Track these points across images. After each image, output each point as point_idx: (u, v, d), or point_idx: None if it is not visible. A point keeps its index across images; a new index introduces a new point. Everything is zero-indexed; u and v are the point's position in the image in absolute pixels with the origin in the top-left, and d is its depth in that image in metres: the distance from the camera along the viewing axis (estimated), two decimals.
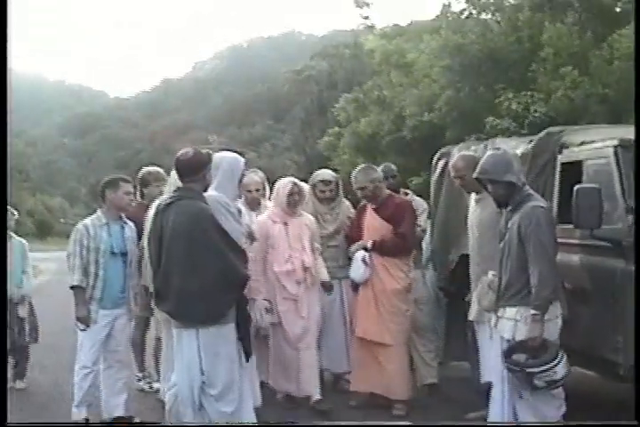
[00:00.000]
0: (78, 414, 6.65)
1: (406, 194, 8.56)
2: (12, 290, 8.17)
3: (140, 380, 8.40)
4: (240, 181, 6.13)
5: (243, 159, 6.29)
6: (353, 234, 7.73)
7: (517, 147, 7.41)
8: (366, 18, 38.85)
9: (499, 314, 5.66)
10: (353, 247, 7.41)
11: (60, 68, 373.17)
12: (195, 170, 5.70)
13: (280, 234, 7.36)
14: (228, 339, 5.53)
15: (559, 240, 5.84)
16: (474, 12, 24.85)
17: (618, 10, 21.98)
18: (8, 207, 8.50)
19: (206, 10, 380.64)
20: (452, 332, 8.17)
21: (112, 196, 6.93)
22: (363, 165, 7.79)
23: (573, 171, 6.42)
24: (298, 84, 67.21)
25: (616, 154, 5.98)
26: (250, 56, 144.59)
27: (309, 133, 52.78)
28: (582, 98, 19.16)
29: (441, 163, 8.57)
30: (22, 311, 8.32)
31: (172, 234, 5.45)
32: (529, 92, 20.24)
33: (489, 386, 6.07)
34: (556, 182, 6.80)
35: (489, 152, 6.05)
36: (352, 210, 8.35)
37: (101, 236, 6.81)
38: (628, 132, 6.16)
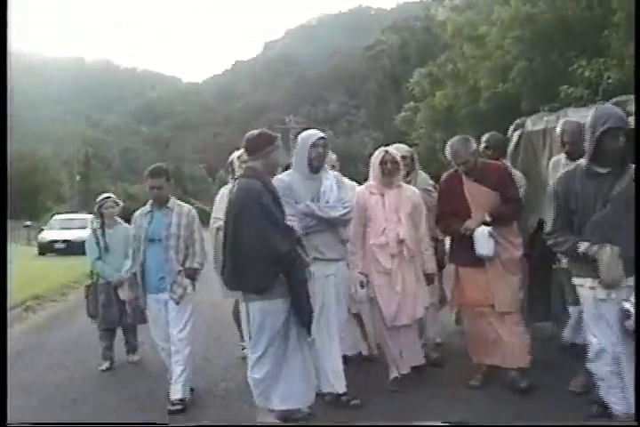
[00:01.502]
0: (174, 395, 6.83)
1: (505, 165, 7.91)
2: (112, 274, 8.61)
3: (243, 349, 8.82)
4: (310, 155, 6.48)
5: (314, 134, 6.60)
6: (444, 207, 7.17)
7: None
8: None
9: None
10: (469, 223, 6.82)
11: (130, 56, 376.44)
12: (256, 149, 5.90)
13: (377, 205, 7.03)
14: (275, 313, 5.68)
15: None
16: None
17: None
18: (113, 196, 9.03)
19: None
20: (534, 294, 8.36)
21: (146, 187, 7.23)
22: (458, 138, 7.19)
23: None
24: (369, 59, 67.19)
25: None
26: (320, 33, 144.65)
27: (385, 109, 52.92)
28: None
29: (516, 133, 8.83)
30: (122, 294, 8.45)
31: (227, 211, 5.82)
32: (602, 59, 20.10)
33: (578, 347, 6.31)
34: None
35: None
36: (430, 182, 8.21)
37: (142, 224, 7.08)
38: None
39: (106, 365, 8.57)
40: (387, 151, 7.13)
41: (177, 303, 6.96)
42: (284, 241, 5.67)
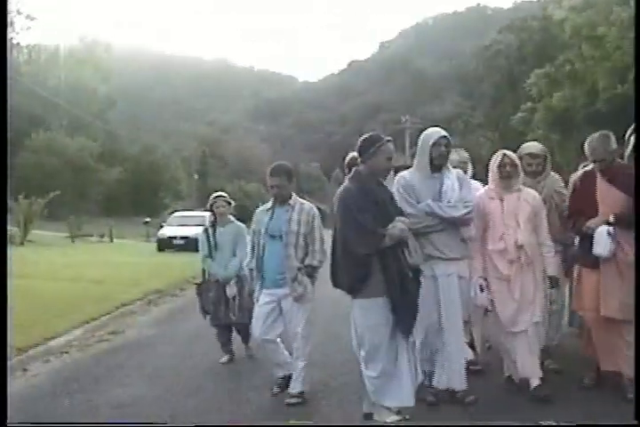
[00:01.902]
0: (276, 373, 7.11)
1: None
2: (220, 271, 8.59)
3: None
4: (431, 154, 6.43)
5: (436, 132, 6.52)
6: (577, 205, 6.97)
7: None
8: None
9: None
10: (592, 222, 6.62)
11: (248, 55, 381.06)
12: (362, 151, 5.99)
13: (496, 211, 6.86)
14: (374, 311, 5.79)
15: None
16: None
17: None
18: (224, 195, 9.07)
19: None
20: None
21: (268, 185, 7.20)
22: (599, 134, 6.90)
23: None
24: (486, 59, 66.75)
25: None
26: (435, 33, 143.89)
27: (501, 109, 52.59)
28: None
29: (633, 137, 8.67)
30: (230, 291, 8.56)
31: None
32: None
33: None
34: None
35: None
36: (562, 184, 7.82)
37: (263, 219, 7.09)
38: None
39: (225, 358, 8.61)
40: (505, 154, 6.96)
41: (296, 301, 6.89)
42: (364, 245, 5.79)
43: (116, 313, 12.06)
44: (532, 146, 7.84)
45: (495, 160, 6.92)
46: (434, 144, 6.47)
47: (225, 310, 8.58)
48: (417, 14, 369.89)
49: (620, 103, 24.40)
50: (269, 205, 7.21)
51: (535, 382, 6.66)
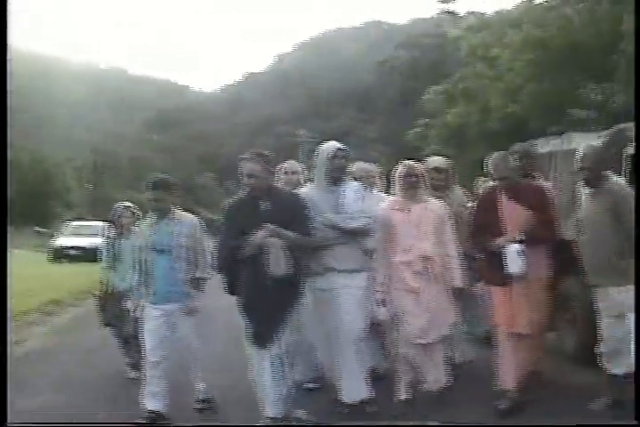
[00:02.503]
0: (148, 406, 6.61)
1: (537, 177, 7.89)
2: (120, 284, 8.31)
3: None
4: (329, 167, 6.52)
5: (333, 145, 6.61)
6: (480, 221, 7.01)
7: (591, 140, 8.46)
8: (449, 11, 40.09)
9: None
10: (501, 240, 6.63)
11: (141, 63, 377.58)
12: None
13: (401, 221, 6.70)
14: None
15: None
16: (554, 4, 25.70)
17: None
18: (131, 206, 8.87)
19: (287, 0, 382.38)
20: None
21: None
22: (500, 153, 6.99)
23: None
24: (382, 74, 67.96)
25: None
26: (333, 47, 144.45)
27: (396, 124, 53.51)
28: None
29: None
30: (129, 304, 7.79)
31: None
32: (609, 83, 21.04)
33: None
34: (623, 170, 7.86)
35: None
36: (465, 198, 8.01)
37: (146, 234, 6.93)
38: None
39: (133, 374, 8.21)
40: (408, 164, 6.85)
41: (187, 315, 6.83)
42: (221, 253, 6.21)
43: (13, 325, 11.61)
44: (437, 160, 7.95)
45: (399, 171, 6.82)
46: (331, 156, 6.53)
47: (129, 322, 8.06)
48: (314, 27, 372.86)
49: (511, 122, 25.40)
50: (151, 218, 7.06)
51: (436, 387, 6.67)
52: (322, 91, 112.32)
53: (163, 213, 6.93)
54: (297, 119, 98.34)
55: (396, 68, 62.93)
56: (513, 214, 6.76)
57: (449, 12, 42.15)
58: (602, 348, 6.49)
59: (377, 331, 7.19)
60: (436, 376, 6.70)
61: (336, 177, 6.58)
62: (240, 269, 6.05)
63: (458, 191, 8.08)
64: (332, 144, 6.67)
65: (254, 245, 5.89)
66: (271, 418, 6.02)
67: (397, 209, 6.82)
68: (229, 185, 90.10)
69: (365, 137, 72.66)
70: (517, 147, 8.13)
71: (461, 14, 42.00)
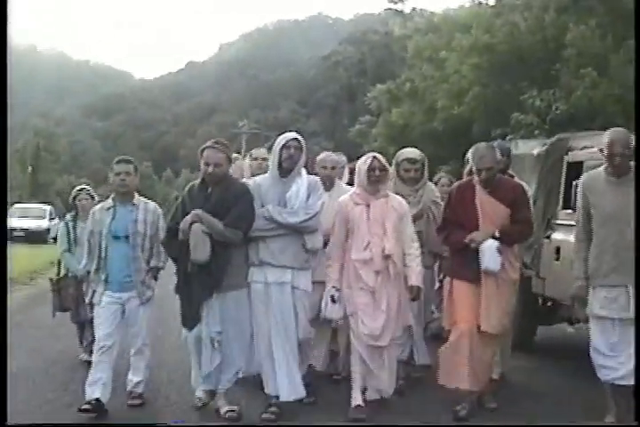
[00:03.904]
0: (90, 393, 6.40)
1: (512, 176, 7.55)
2: (79, 268, 7.93)
3: None
4: (279, 157, 6.32)
5: (287, 135, 6.43)
6: (452, 216, 6.73)
7: (534, 148, 9.19)
8: (395, 3, 40.72)
9: None
10: (477, 235, 6.37)
11: (84, 48, 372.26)
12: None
13: (360, 217, 6.44)
14: None
15: (565, 222, 7.93)
16: (503, 10, 26.36)
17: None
18: (88, 188, 8.88)
19: None
20: None
21: (110, 177, 6.91)
22: (485, 144, 6.81)
23: (576, 169, 8.00)
24: (325, 69, 68.18)
25: None
26: (276, 39, 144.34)
27: (338, 119, 53.87)
28: (600, 98, 20.53)
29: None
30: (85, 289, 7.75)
31: None
32: (552, 91, 21.60)
33: None
34: (563, 177, 8.47)
35: None
36: (438, 193, 7.65)
37: (104, 219, 6.71)
38: None
39: (85, 356, 8.20)
40: (375, 157, 6.57)
41: (142, 304, 6.72)
42: (164, 237, 6.55)
43: None
44: (410, 151, 7.53)
45: (364, 163, 6.55)
46: (283, 146, 6.31)
47: (86, 306, 7.84)
48: (258, 18, 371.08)
49: (454, 123, 25.90)
50: (110, 203, 6.85)
51: (387, 395, 6.53)
52: (263, 82, 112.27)
53: (125, 197, 6.80)
54: (238, 109, 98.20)
55: (340, 64, 63.15)
56: (490, 210, 6.52)
57: (397, 11, 42.50)
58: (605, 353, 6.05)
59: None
60: (389, 380, 6.51)
61: (286, 168, 6.35)
62: (178, 253, 6.21)
63: (430, 186, 7.68)
64: (288, 134, 6.47)
65: (181, 230, 6.03)
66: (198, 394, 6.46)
67: (357, 203, 6.56)
68: (167, 174, 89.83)
69: (306, 130, 73.03)
70: (496, 144, 7.71)
71: (407, 11, 42.58)
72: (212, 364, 6.21)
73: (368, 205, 6.51)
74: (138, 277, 6.70)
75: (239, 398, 6.67)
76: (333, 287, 6.44)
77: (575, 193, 6.82)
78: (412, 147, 7.88)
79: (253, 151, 7.98)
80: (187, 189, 6.43)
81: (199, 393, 6.50)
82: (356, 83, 55.11)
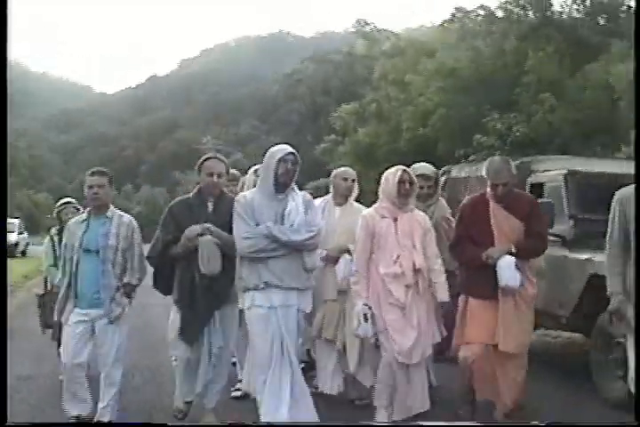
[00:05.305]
0: (68, 410, 6.26)
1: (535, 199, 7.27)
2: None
3: None
4: (276, 171, 5.75)
5: (284, 149, 5.85)
6: (465, 231, 6.49)
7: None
8: (363, 26, 41.54)
9: None
10: (493, 251, 6.18)
11: (44, 60, 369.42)
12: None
13: (388, 231, 6.22)
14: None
15: None
16: (466, 36, 27.60)
17: (594, 42, 24.28)
18: (73, 202, 8.47)
19: (194, 6, 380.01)
20: None
21: (85, 190, 6.47)
22: (501, 158, 6.64)
23: (538, 190, 8.39)
24: (287, 86, 68.58)
25: (565, 179, 8.08)
26: (237, 55, 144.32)
27: (302, 137, 54.17)
28: (558, 121, 21.66)
29: (443, 178, 10.23)
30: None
31: None
32: (512, 114, 22.69)
33: None
34: None
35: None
36: (449, 210, 7.55)
37: (76, 232, 6.36)
38: (576, 164, 8.56)
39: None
40: (404, 170, 6.29)
41: (111, 323, 6.28)
42: (153, 250, 6.18)
43: None
44: (424, 167, 7.39)
45: (394, 175, 6.23)
46: (280, 160, 5.76)
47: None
48: (220, 34, 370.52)
49: (419, 143, 26.77)
50: (84, 216, 6.53)
51: (423, 409, 6.21)
52: (224, 98, 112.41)
53: (99, 209, 6.43)
54: (200, 125, 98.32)
55: (303, 82, 63.70)
56: (505, 225, 6.32)
57: (363, 32, 42.91)
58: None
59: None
60: (415, 400, 6.23)
61: (283, 182, 5.84)
62: (173, 266, 6.11)
63: (442, 203, 7.58)
64: (283, 147, 5.92)
65: (186, 238, 5.85)
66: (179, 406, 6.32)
67: (384, 217, 6.29)
68: (127, 189, 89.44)
69: (265, 147, 73.26)
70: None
71: (369, 30, 42.92)
72: (206, 378, 6.15)
73: (395, 219, 6.26)
74: (107, 294, 6.26)
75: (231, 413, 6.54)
76: (365, 305, 6.14)
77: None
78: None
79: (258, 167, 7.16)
80: (176, 202, 6.32)
81: (179, 404, 6.36)
82: (320, 101, 55.61)
